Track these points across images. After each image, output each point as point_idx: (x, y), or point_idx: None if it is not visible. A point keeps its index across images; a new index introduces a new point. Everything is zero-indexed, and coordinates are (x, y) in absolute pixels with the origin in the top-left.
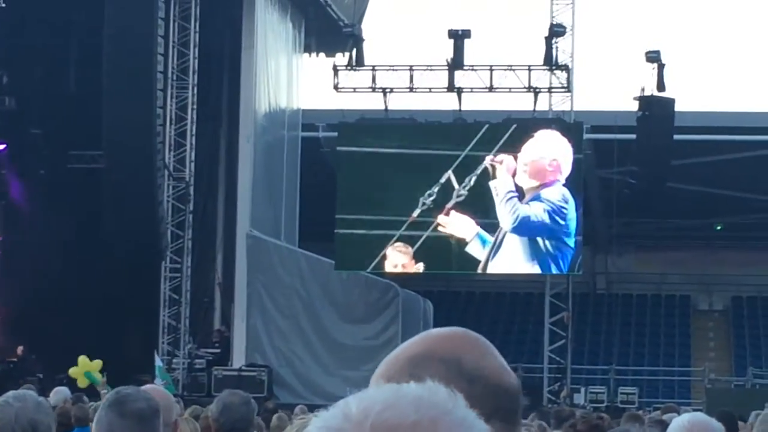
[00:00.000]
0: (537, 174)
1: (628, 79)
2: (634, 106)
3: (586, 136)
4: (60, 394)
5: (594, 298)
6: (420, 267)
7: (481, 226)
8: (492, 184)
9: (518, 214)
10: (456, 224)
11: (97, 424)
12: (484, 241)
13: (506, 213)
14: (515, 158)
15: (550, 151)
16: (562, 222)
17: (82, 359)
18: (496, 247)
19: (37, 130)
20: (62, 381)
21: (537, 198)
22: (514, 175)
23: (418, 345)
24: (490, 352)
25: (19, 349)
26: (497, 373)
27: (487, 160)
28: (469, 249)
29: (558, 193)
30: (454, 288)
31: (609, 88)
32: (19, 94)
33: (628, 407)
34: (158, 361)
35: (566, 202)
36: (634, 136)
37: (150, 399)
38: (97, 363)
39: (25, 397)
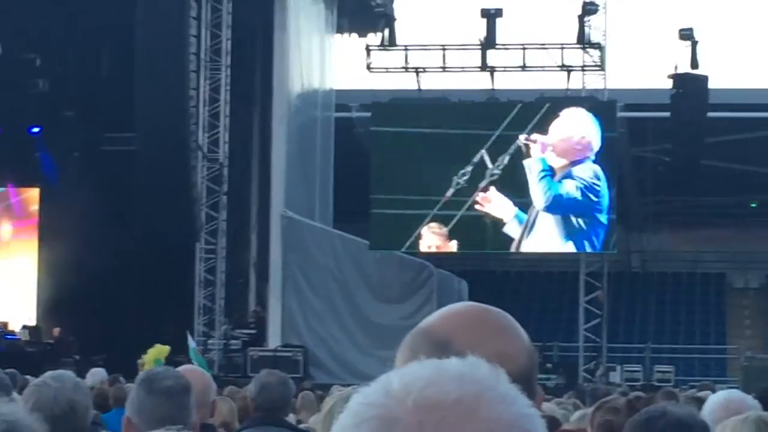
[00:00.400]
0: (566, 152)
1: (662, 56)
2: (667, 84)
3: (619, 114)
4: (97, 375)
5: (629, 276)
6: (454, 246)
7: (515, 205)
8: (525, 163)
9: (551, 193)
10: (496, 204)
11: (129, 403)
12: (521, 221)
13: (539, 192)
14: (549, 136)
15: (578, 128)
16: (594, 198)
17: (157, 348)
18: (530, 227)
19: (71, 113)
20: (98, 362)
21: (568, 175)
22: (548, 153)
23: (425, 322)
24: (494, 334)
25: (56, 331)
26: (490, 359)
27: (521, 139)
28: (506, 229)
29: (589, 170)
30: (488, 267)
31: (642, 66)
32: (52, 77)
33: (663, 385)
34: (191, 343)
35: (598, 178)
36: (667, 114)
37: (179, 377)
38: (166, 348)
39: (63, 377)
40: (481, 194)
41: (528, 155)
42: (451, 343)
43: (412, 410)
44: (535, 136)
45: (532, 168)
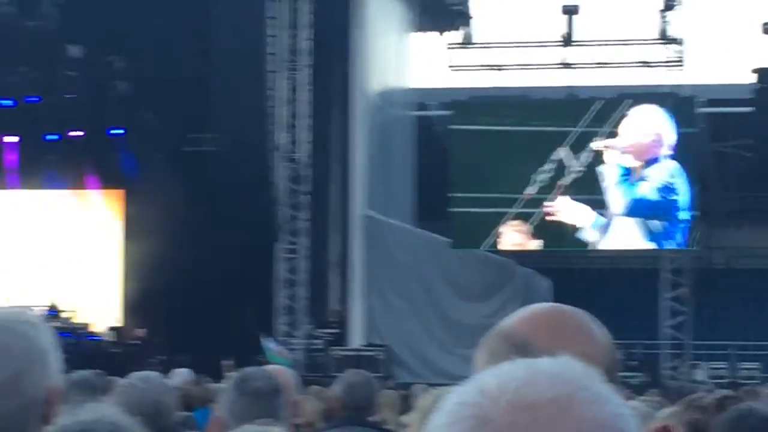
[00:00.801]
0: (639, 152)
1: (743, 51)
2: (749, 79)
3: (700, 109)
4: (181, 375)
5: (712, 273)
6: (536, 244)
7: (595, 204)
8: (600, 169)
9: (628, 197)
10: (569, 212)
11: (222, 404)
12: (599, 225)
13: (617, 197)
14: (619, 139)
15: (649, 126)
16: (672, 197)
17: None
18: (608, 227)
19: (153, 114)
20: (183, 362)
21: (644, 178)
22: (621, 156)
23: (504, 323)
24: (573, 335)
25: (140, 331)
26: None
27: (600, 144)
28: (583, 233)
29: (665, 169)
30: (570, 265)
31: (723, 61)
32: (133, 79)
33: (749, 383)
34: (268, 344)
35: (674, 176)
36: (749, 109)
37: (270, 378)
38: None
39: (149, 378)
40: (548, 206)
41: (603, 161)
42: (531, 344)
43: (506, 410)
44: (607, 141)
45: (607, 174)
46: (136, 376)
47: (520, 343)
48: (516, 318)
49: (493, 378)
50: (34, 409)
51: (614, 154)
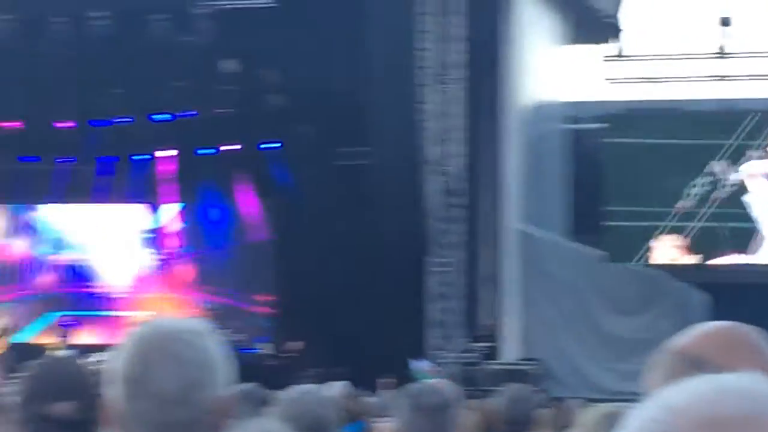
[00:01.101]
0: None
1: None
2: None
3: None
4: (336, 388)
5: None
6: (692, 258)
7: (748, 219)
8: (745, 199)
9: None
10: None
11: (396, 418)
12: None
13: None
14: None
15: None
16: None
17: None
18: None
19: (307, 127)
20: (338, 376)
21: None
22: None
23: (677, 341)
24: (749, 353)
25: (297, 344)
26: None
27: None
28: None
29: None
30: (728, 280)
31: None
32: (288, 93)
33: None
34: (418, 365)
35: None
36: None
37: (443, 393)
38: None
39: (309, 391)
40: None
41: (748, 190)
42: (707, 363)
43: (696, 427)
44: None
45: (755, 203)
46: (296, 390)
47: (696, 361)
48: (691, 336)
49: (679, 394)
50: (204, 420)
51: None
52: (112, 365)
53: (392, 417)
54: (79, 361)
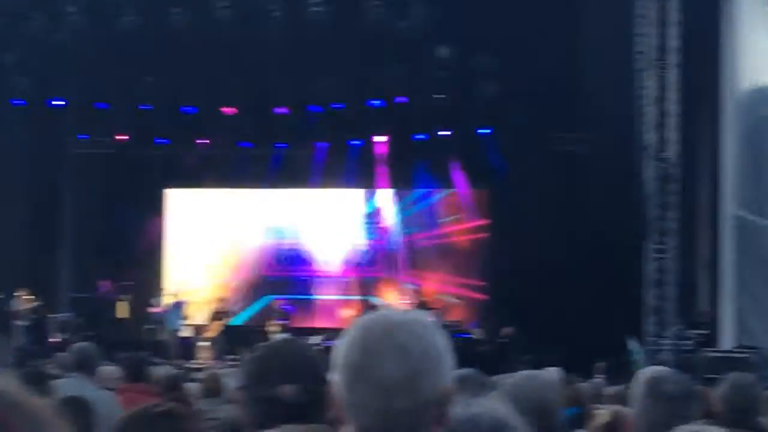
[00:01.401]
0: None
1: None
2: None
3: None
4: (552, 373)
5: None
6: None
7: None
8: None
9: None
10: None
11: (633, 404)
12: None
13: None
14: None
15: None
16: None
17: None
18: None
19: (521, 114)
20: (552, 361)
21: None
22: None
23: None
24: None
25: (509, 330)
26: None
27: None
28: None
29: None
30: None
31: None
32: (502, 79)
33: None
34: (633, 344)
35: None
36: None
37: (683, 381)
38: None
39: (532, 376)
40: None
41: None
42: None
43: None
44: None
45: None
46: (520, 374)
47: None
48: None
49: None
50: (427, 410)
51: None
52: (337, 352)
53: (616, 404)
54: (304, 344)
